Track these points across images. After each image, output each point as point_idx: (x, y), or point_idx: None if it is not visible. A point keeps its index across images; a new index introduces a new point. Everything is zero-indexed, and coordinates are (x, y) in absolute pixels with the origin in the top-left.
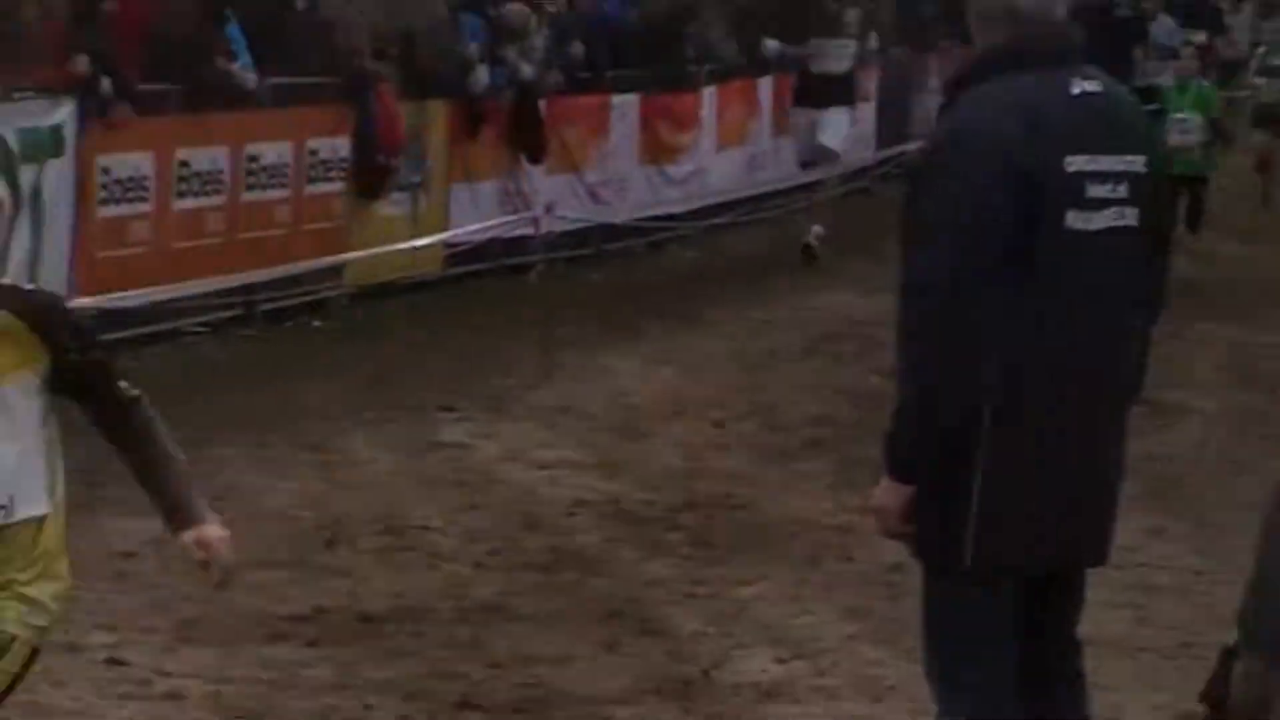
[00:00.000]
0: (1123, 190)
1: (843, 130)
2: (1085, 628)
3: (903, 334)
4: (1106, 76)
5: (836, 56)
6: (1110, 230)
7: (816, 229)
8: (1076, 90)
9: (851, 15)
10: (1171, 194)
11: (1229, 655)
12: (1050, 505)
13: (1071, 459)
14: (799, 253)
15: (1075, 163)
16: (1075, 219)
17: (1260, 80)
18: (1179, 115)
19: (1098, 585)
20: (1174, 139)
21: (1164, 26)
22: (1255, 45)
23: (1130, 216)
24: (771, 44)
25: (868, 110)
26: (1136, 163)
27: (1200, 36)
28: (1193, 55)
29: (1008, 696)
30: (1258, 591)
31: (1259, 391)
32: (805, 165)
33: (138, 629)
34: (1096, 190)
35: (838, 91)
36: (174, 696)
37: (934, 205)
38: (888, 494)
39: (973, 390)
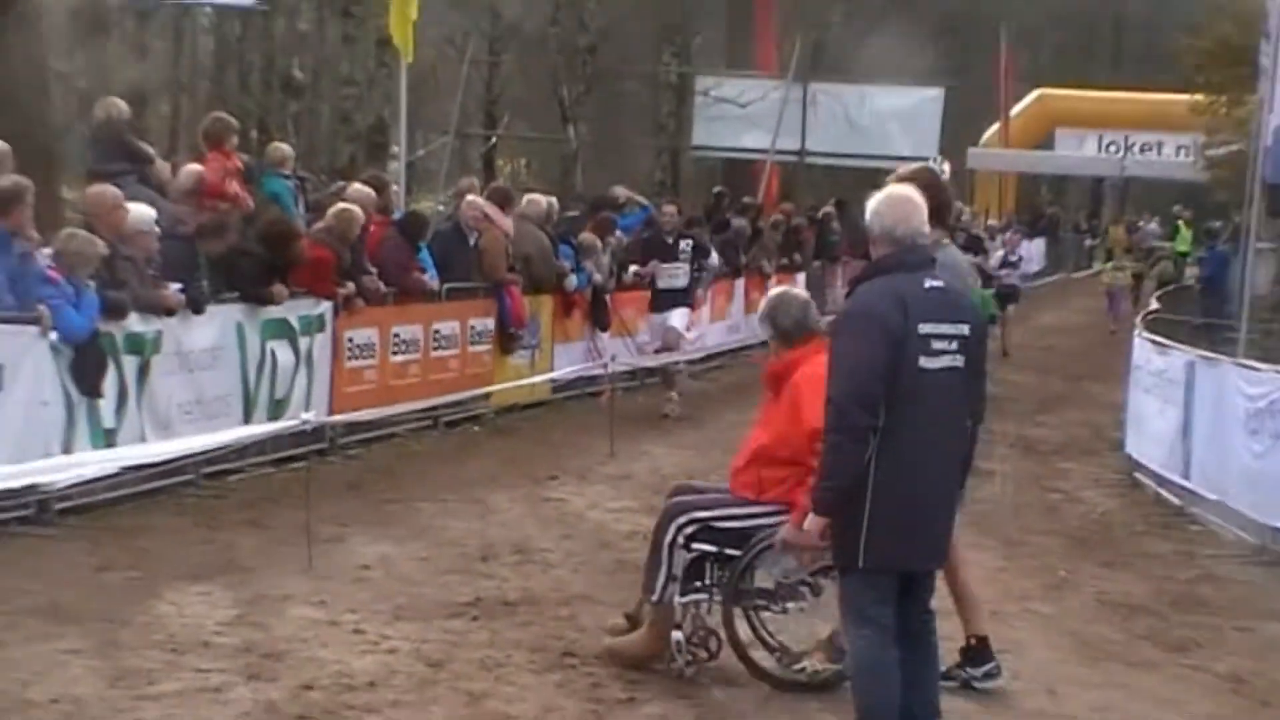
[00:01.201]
0: (954, 345)
1: (685, 321)
2: (935, 602)
3: (825, 430)
4: (948, 276)
5: (672, 275)
6: (947, 369)
7: (672, 395)
8: (928, 285)
9: (684, 246)
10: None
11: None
12: (912, 529)
13: (927, 502)
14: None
15: (925, 328)
16: (925, 361)
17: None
18: None
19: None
20: None
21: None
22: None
23: (959, 361)
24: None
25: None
26: (963, 328)
27: (972, 257)
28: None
29: (890, 646)
30: None
31: (1033, 460)
32: (658, 351)
33: (371, 611)
34: (938, 345)
35: (680, 298)
36: (393, 650)
37: (842, 353)
38: (814, 523)
39: (864, 464)
